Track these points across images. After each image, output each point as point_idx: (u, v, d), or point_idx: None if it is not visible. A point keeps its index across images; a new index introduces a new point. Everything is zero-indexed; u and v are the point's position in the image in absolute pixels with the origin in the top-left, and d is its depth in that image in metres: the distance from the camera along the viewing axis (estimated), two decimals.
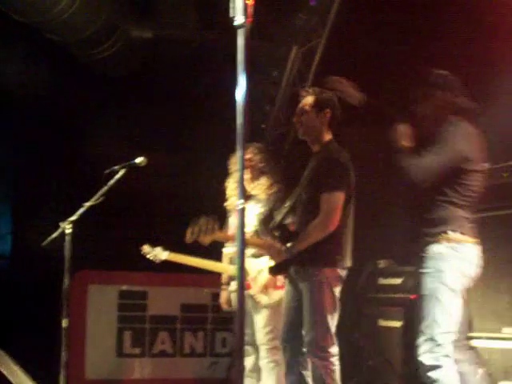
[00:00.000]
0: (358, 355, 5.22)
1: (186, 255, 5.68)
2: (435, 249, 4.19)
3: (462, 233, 4.22)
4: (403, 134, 4.42)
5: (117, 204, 6.30)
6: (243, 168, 2.90)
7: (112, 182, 5.21)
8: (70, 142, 7.66)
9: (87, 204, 5.21)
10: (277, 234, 4.85)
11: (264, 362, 5.47)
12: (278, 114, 8.55)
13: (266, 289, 5.43)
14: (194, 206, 5.58)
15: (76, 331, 6.97)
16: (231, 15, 2.81)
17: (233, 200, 5.54)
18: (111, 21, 7.20)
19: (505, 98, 6.33)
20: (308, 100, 4.78)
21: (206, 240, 5.21)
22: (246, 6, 2.79)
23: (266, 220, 5.49)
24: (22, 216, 7.36)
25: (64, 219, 5.19)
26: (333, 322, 4.61)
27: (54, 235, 5.23)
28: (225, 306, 5.82)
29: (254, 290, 5.41)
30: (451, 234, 4.18)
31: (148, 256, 5.73)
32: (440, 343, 4.08)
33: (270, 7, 7.32)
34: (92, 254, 7.23)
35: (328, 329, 4.57)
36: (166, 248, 5.72)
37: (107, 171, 5.24)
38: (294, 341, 4.69)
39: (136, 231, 7.56)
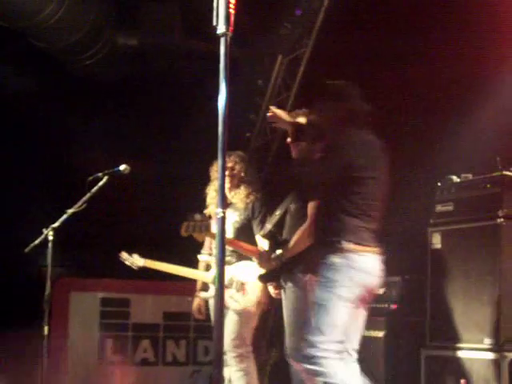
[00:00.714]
0: None
1: (162, 262, 5.67)
2: (330, 259, 4.13)
3: (357, 243, 4.14)
4: (305, 150, 4.45)
5: (100, 211, 6.29)
6: (224, 176, 2.92)
7: (95, 189, 5.21)
8: (53, 149, 7.63)
9: (70, 211, 5.20)
10: (267, 241, 4.89)
11: (232, 371, 5.40)
12: (262, 122, 8.56)
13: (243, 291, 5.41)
14: (177, 214, 5.56)
15: (57, 338, 6.94)
16: (214, 24, 2.83)
17: (212, 208, 5.54)
18: (96, 28, 7.19)
19: (486, 112, 6.38)
20: (302, 122, 4.83)
21: (201, 237, 5.22)
22: (228, 15, 2.80)
23: (242, 228, 5.50)
24: (4, 222, 7.32)
25: (47, 226, 5.17)
26: None
27: (37, 242, 5.22)
28: (196, 315, 5.79)
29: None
30: (345, 244, 4.11)
31: (126, 262, 5.72)
32: (321, 350, 4.05)
33: (255, 17, 7.33)
34: (74, 261, 7.21)
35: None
36: (142, 255, 5.72)
37: (90, 178, 5.24)
38: None
39: (119, 238, 7.54)
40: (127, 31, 7.71)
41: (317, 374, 4.06)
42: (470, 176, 5.94)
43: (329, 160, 4.20)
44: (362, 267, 4.12)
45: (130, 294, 7.66)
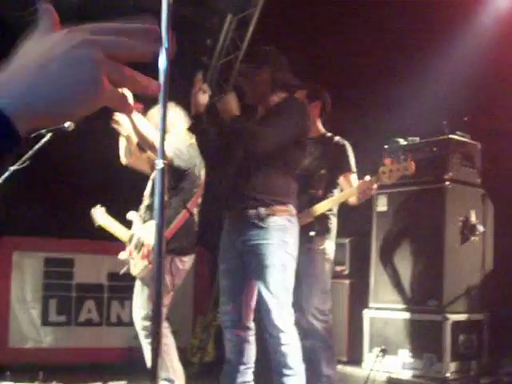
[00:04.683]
0: None
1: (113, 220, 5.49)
2: (277, 221, 4.21)
3: (295, 206, 4.32)
4: (232, 104, 4.42)
5: (43, 169, 6.18)
6: (164, 132, 2.94)
7: (38, 145, 5.10)
8: None
9: (12, 168, 5.09)
10: None
11: (143, 346, 4.93)
12: (210, 82, 8.48)
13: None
14: (123, 171, 5.47)
15: None
16: None
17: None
18: None
19: (434, 76, 6.41)
20: (300, 93, 5.05)
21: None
22: None
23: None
24: None
25: None
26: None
27: None
28: None
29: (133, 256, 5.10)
30: (290, 207, 4.26)
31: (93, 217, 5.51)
32: (290, 309, 4.22)
33: None
34: (17, 220, 7.08)
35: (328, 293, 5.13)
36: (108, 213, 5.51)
37: (33, 135, 5.12)
38: None
39: (63, 197, 7.43)
40: None
41: (281, 332, 4.17)
42: (416, 139, 5.98)
43: (285, 121, 4.23)
44: (298, 229, 4.34)
45: (73, 254, 7.57)
